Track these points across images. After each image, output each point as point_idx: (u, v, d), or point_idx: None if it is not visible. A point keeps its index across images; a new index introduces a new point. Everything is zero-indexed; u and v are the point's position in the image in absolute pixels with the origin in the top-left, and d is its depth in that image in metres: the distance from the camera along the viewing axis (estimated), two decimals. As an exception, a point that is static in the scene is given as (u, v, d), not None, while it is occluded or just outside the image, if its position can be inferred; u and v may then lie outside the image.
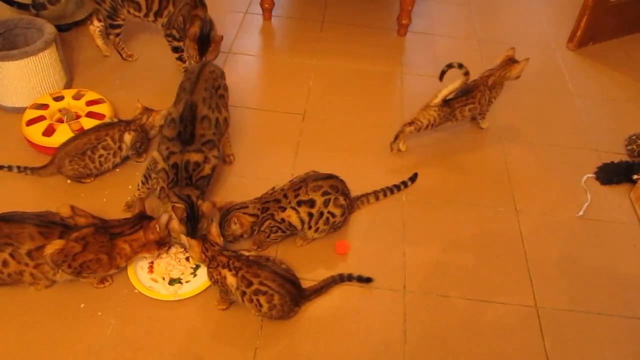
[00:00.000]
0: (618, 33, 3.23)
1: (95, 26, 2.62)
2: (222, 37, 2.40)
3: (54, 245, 1.60)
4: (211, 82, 1.99)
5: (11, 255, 1.62)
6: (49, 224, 1.64)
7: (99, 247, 1.66)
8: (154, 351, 1.64)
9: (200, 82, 1.96)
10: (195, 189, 1.83)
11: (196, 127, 1.87)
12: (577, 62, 3.07)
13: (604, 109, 2.77)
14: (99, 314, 1.72)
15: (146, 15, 2.46)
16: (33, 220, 1.64)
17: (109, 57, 2.71)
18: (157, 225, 1.72)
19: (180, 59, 2.54)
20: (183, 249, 1.87)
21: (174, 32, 2.44)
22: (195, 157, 1.85)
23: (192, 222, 1.79)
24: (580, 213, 2.19)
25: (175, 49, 2.51)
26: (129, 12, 2.48)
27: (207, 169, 1.88)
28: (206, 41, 2.36)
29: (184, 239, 1.71)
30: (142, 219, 1.74)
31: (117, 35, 2.61)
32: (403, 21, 3.06)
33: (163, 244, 1.77)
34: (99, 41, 2.67)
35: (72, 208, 1.72)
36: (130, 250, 1.72)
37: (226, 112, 2.04)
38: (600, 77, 2.99)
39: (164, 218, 1.73)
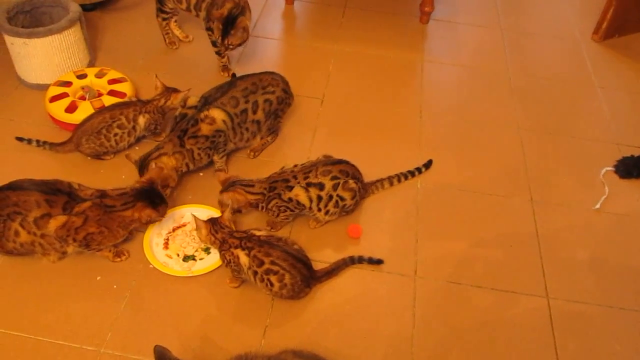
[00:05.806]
0: (645, 26, 3.17)
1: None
2: (247, 27, 2.36)
3: (57, 221, 1.64)
4: (262, 84, 2.10)
5: (21, 225, 1.65)
6: (55, 192, 1.66)
7: (97, 220, 1.68)
8: (166, 325, 1.68)
9: (254, 77, 2.12)
10: (174, 145, 1.96)
11: (221, 97, 2.02)
12: (601, 54, 3.02)
13: (627, 102, 2.72)
14: (115, 287, 1.76)
15: (187, 8, 2.49)
16: (40, 187, 1.66)
17: (143, 39, 2.75)
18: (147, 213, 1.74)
19: (218, 53, 2.54)
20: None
21: (212, 25, 2.43)
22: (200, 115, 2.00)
23: (140, 169, 1.95)
24: (597, 206, 2.17)
25: (214, 43, 2.50)
26: (174, 2, 2.53)
27: (203, 130, 1.99)
28: (231, 23, 2.33)
29: (193, 219, 1.74)
30: (140, 197, 1.73)
31: (164, 19, 2.66)
32: (425, 8, 3.04)
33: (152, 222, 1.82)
34: (177, 31, 2.75)
35: (79, 185, 1.74)
36: (124, 224, 1.74)
37: (262, 116, 2.11)
38: (624, 70, 2.94)
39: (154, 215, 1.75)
